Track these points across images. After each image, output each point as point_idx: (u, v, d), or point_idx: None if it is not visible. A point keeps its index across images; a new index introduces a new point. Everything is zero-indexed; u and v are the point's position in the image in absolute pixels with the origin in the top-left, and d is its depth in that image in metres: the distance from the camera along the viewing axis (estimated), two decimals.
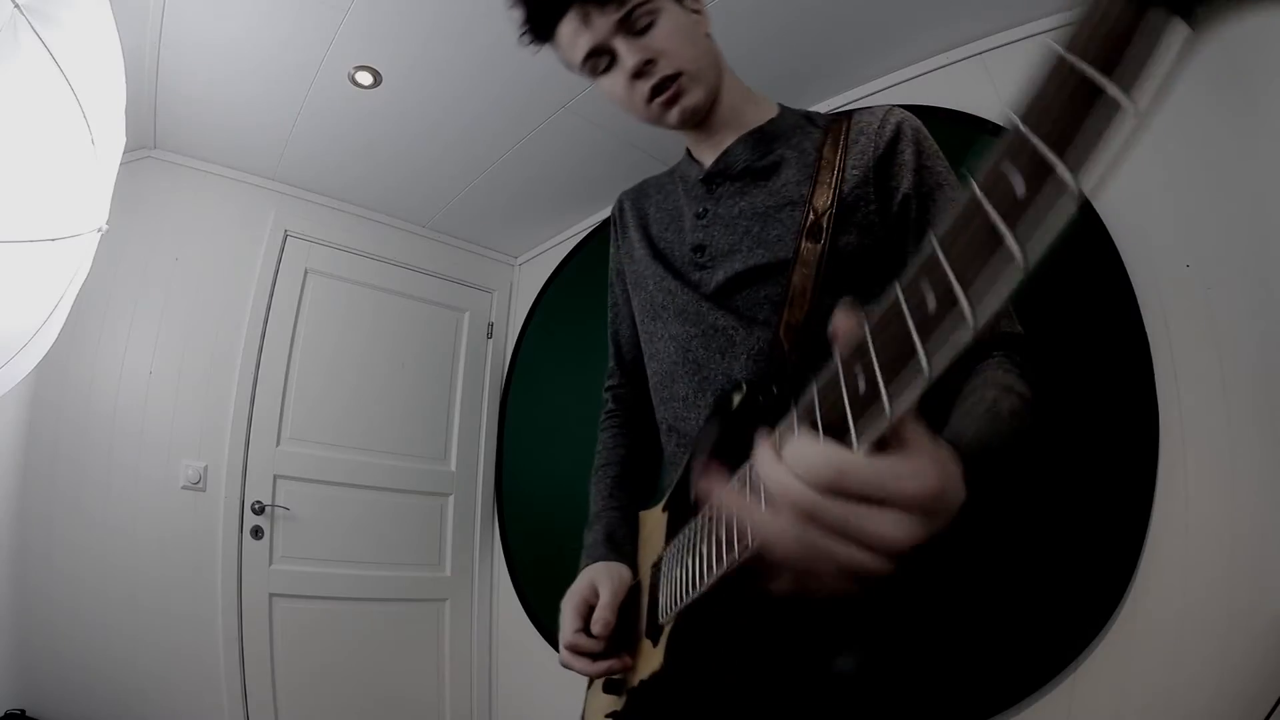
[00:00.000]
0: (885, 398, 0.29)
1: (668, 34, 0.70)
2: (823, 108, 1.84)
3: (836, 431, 0.34)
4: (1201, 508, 1.12)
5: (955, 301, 0.25)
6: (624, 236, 0.88)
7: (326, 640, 2.16)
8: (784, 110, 0.80)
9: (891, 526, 0.34)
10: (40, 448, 1.83)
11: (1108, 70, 0.21)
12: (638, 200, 0.88)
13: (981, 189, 0.25)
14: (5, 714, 1.62)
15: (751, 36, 1.62)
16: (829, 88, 1.82)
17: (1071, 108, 0.22)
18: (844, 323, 0.34)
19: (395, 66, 1.76)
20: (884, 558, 0.35)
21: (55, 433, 1.86)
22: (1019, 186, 0.23)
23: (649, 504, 0.79)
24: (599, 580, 0.71)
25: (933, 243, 0.27)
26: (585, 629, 0.68)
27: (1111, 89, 0.20)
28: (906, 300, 0.28)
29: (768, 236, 0.70)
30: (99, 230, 1.19)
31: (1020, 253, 0.23)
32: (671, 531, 0.65)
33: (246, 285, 2.22)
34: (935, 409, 0.53)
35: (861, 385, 0.31)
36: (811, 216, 0.68)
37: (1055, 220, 0.22)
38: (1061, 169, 0.22)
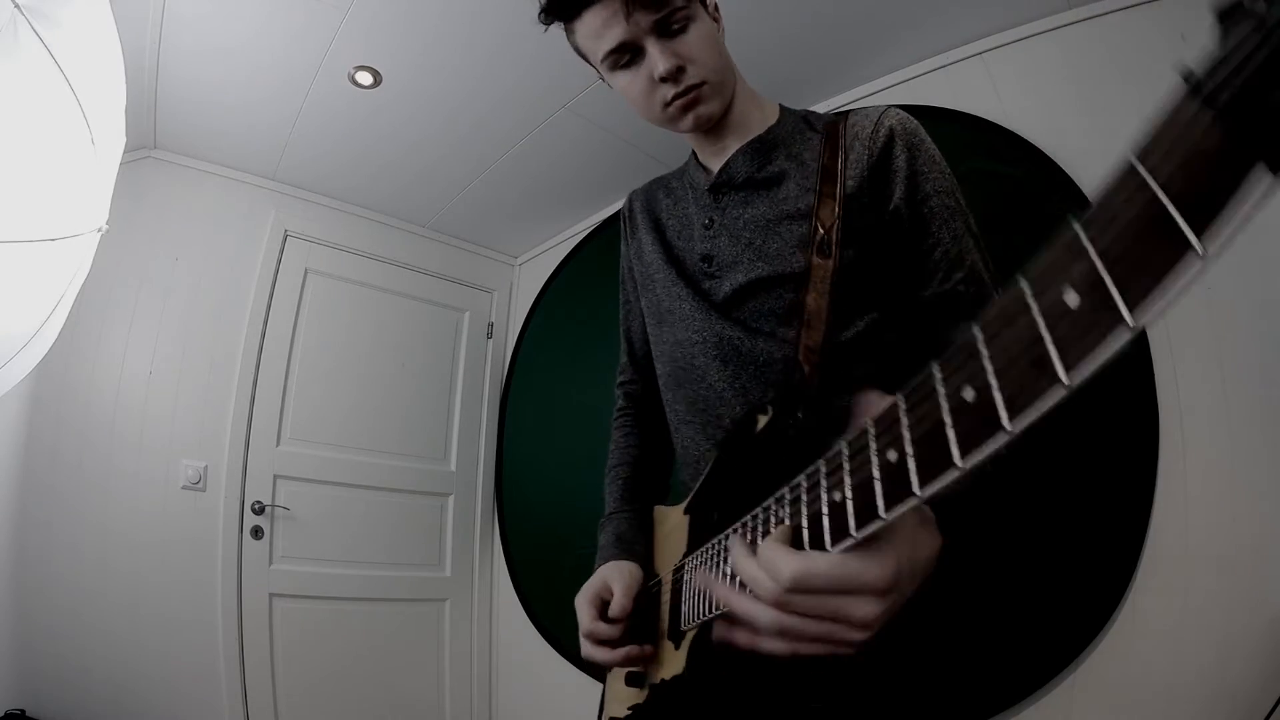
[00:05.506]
0: (881, 508, 0.33)
1: (698, 41, 0.70)
2: (823, 108, 1.84)
3: (815, 538, 0.39)
4: (1201, 508, 1.12)
5: (994, 417, 0.25)
6: (634, 235, 0.88)
7: (327, 640, 2.16)
8: (784, 114, 0.80)
9: (860, 609, 0.40)
10: (40, 448, 1.83)
11: (1193, 217, 0.19)
12: (649, 200, 0.88)
13: (1032, 293, 0.24)
14: (5, 714, 1.62)
15: (752, 36, 1.62)
16: (829, 87, 1.82)
17: (1141, 238, 0.20)
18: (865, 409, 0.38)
19: (395, 66, 1.76)
20: (859, 630, 0.41)
21: (55, 433, 1.86)
22: (1072, 301, 0.22)
23: (667, 501, 0.81)
24: (610, 577, 0.72)
25: (976, 337, 0.27)
26: (602, 619, 0.70)
27: (1193, 240, 0.19)
28: (944, 387, 0.29)
29: (768, 250, 0.70)
30: (99, 230, 1.19)
31: (1065, 374, 0.22)
32: (694, 536, 0.67)
33: (246, 285, 2.22)
34: None
35: (842, 496, 0.36)
36: (820, 232, 0.67)
37: (1104, 349, 0.22)
38: (1120, 303, 0.21)
